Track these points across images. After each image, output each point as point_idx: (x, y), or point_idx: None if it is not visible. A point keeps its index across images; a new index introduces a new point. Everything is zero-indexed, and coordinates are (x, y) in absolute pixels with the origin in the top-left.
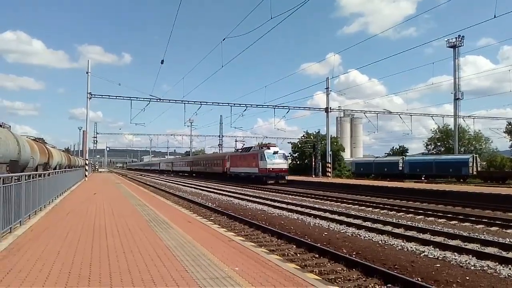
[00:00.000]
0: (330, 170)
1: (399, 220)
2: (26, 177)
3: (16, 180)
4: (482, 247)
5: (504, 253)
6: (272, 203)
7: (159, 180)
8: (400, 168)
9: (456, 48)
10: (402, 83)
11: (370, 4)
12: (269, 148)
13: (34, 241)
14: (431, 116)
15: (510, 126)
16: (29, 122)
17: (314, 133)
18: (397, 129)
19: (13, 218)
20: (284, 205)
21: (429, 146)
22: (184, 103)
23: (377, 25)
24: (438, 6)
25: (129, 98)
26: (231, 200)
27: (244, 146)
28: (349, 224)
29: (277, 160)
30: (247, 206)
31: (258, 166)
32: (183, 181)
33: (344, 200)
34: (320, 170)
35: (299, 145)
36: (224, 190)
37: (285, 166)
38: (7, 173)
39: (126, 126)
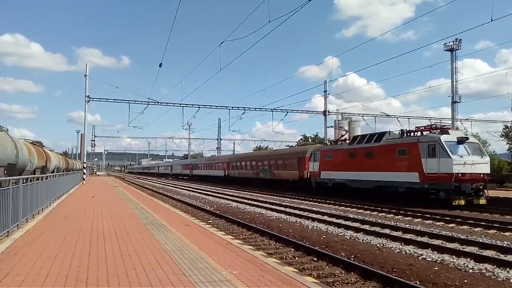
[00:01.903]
0: None
1: (397, 223)
2: (24, 180)
3: (14, 184)
4: (480, 250)
5: (502, 256)
6: (270, 206)
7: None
8: None
9: (454, 52)
10: (400, 86)
11: (368, 7)
12: (447, 133)
13: (32, 244)
14: (429, 119)
15: (507, 130)
16: (27, 125)
17: (312, 136)
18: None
19: (10, 221)
20: (282, 208)
21: None
22: (182, 106)
23: (376, 28)
24: (436, 9)
25: (127, 101)
26: (229, 204)
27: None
28: (347, 227)
29: (470, 156)
30: (245, 210)
31: (423, 169)
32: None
33: (342, 203)
34: None
35: None
36: None
37: (485, 169)
38: (4, 176)
39: (124, 129)
